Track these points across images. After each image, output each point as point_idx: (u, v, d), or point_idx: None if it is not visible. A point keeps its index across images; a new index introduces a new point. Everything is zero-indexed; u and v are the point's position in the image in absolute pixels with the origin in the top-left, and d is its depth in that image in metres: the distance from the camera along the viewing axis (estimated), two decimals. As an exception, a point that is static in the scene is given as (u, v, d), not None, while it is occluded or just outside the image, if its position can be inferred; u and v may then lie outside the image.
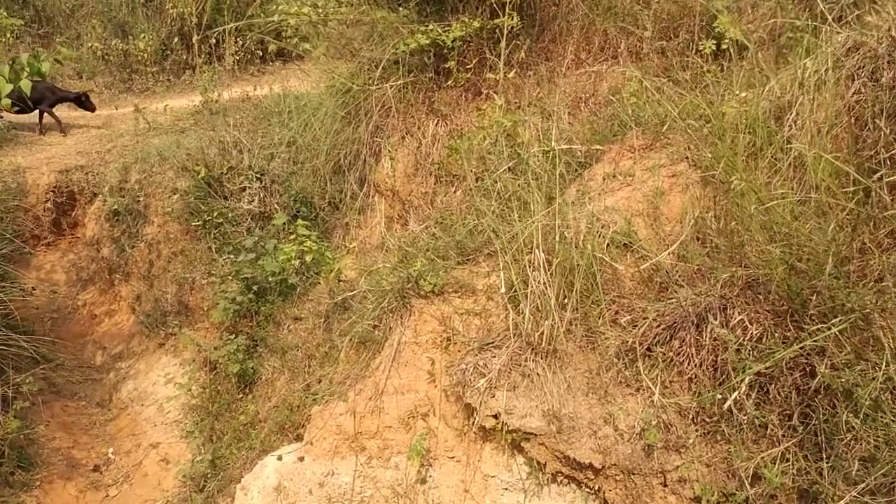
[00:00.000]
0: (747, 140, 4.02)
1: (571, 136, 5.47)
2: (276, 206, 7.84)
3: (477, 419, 4.04)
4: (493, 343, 4.17)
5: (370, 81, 6.59)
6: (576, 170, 5.25)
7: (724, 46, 5.85)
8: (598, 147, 5.24)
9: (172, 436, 6.55)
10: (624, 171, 4.96)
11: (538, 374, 3.94)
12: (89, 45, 14.25)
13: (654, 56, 6.46)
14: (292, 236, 6.19)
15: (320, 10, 7.13)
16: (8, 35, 12.02)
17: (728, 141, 4.06)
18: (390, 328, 4.85)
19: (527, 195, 5.10)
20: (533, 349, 3.95)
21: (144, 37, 14.21)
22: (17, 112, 9.96)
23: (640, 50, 6.67)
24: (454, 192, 6.38)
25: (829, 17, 5.03)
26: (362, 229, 7.00)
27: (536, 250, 3.96)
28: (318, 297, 6.56)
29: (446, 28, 6.43)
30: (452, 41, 6.36)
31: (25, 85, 4.85)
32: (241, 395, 6.51)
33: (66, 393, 7.27)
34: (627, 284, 4.18)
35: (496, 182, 5.35)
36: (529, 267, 3.99)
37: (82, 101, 10.90)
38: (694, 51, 6.19)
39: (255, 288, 6.55)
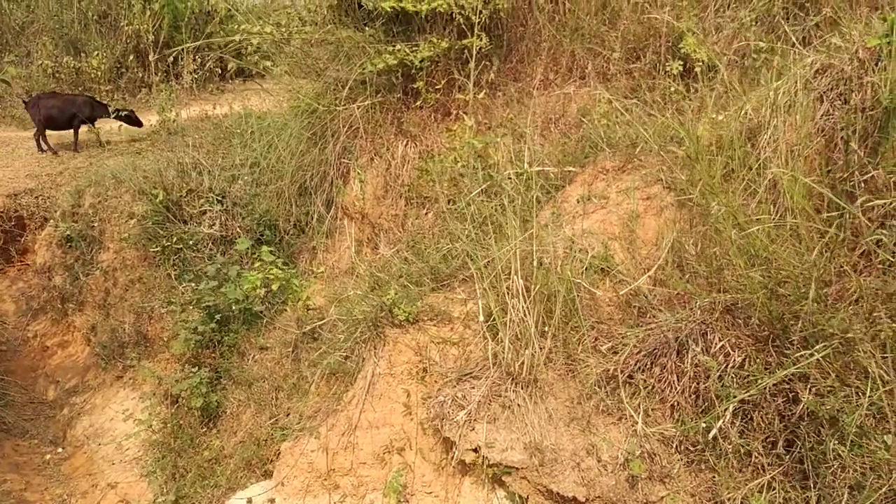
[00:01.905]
0: (722, 162, 4.00)
1: (543, 157, 5.42)
2: (238, 229, 7.60)
3: (456, 453, 3.90)
4: (471, 373, 4.05)
5: (336, 101, 6.46)
6: (549, 192, 5.19)
7: (694, 67, 5.90)
8: (570, 169, 5.19)
9: (132, 475, 6.23)
10: (597, 193, 4.91)
11: (518, 405, 3.83)
12: (39, 62, 13.79)
13: (622, 77, 6.48)
14: (257, 263, 5.99)
15: (283, 29, 6.99)
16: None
17: (705, 163, 4.03)
18: (363, 359, 4.69)
19: (501, 219, 5.03)
20: (513, 379, 3.84)
21: (98, 54, 13.83)
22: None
23: (608, 71, 6.68)
24: (425, 214, 6.26)
25: (794, 40, 5.11)
26: (330, 253, 6.83)
27: (515, 276, 3.87)
28: (284, 326, 6.34)
29: (414, 48, 6.35)
30: (420, 61, 6.28)
31: None
32: (204, 430, 6.23)
33: (17, 431, 6.89)
34: (605, 310, 4.12)
35: (469, 205, 5.27)
36: (508, 294, 3.88)
37: (125, 117, 10.26)
38: (661, 71, 6.23)
39: (217, 317, 6.32)
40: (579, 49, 6.70)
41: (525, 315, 3.78)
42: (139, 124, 10.37)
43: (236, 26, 14.42)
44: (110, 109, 10.16)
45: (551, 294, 3.91)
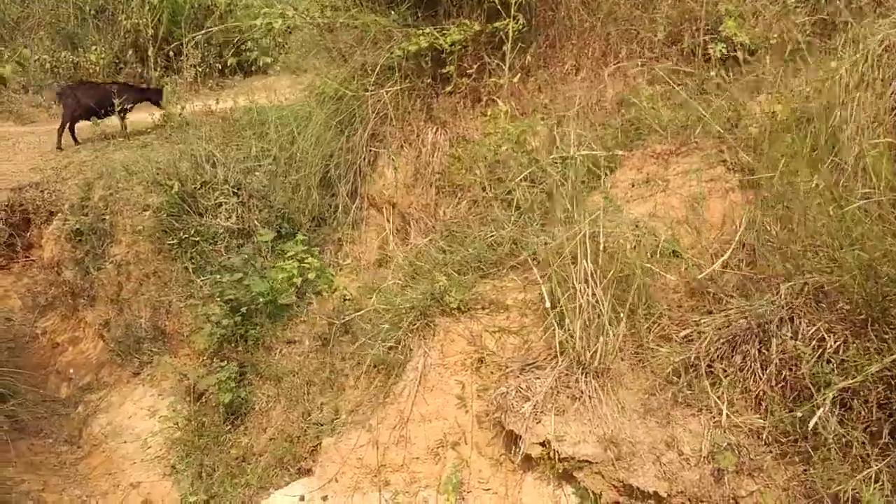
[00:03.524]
0: (801, 140, 3.82)
1: (589, 142, 5.21)
2: (255, 222, 7.35)
3: (522, 447, 3.68)
4: (535, 363, 3.84)
5: (363, 87, 6.22)
6: (597, 176, 4.99)
7: (736, 51, 5.74)
8: (620, 153, 5.00)
9: (154, 474, 5.96)
10: (652, 176, 4.72)
11: (590, 396, 3.62)
12: (36, 57, 13.43)
13: (659, 61, 6.30)
14: (290, 253, 5.73)
15: (303, 14, 6.74)
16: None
17: (785, 141, 3.84)
18: (410, 349, 4.47)
19: (549, 204, 4.83)
20: (584, 369, 3.63)
21: (97, 49, 13.50)
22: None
23: (642, 55, 6.50)
24: (457, 203, 6.04)
25: (849, 19, 4.95)
26: (356, 245, 6.59)
27: (584, 261, 3.65)
28: (311, 319, 6.11)
29: (442, 31, 6.13)
30: (451, 45, 6.06)
31: None
32: (228, 427, 5.98)
33: (31, 430, 6.60)
34: (674, 296, 3.92)
35: (512, 191, 5.06)
36: (576, 280, 3.67)
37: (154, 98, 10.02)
38: (700, 55, 6.06)
39: (242, 310, 6.06)
40: (613, 33, 6.51)
41: (599, 301, 3.57)
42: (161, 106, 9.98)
43: (234, 19, 14.18)
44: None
45: (622, 280, 3.70)
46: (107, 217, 7.79)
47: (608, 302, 3.60)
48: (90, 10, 14.17)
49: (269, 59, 13.21)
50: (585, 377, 3.62)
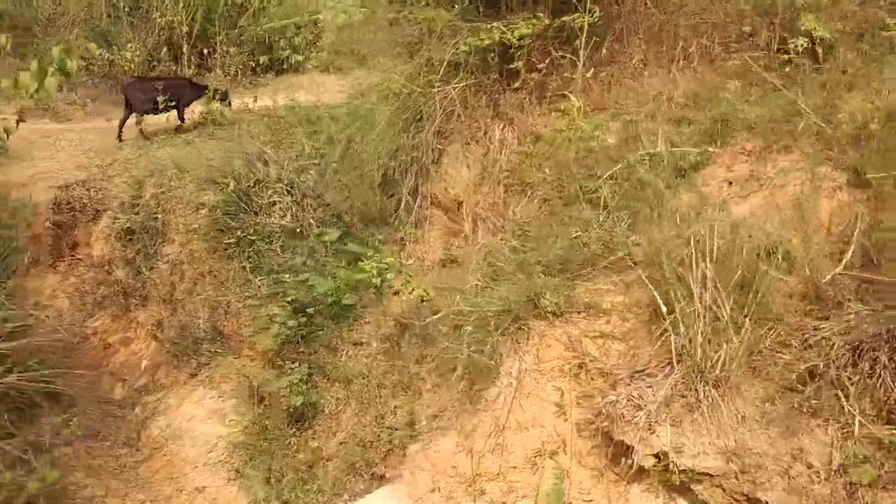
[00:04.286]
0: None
1: (676, 138, 5.04)
2: (310, 221, 7.23)
3: (635, 459, 3.53)
4: (645, 371, 3.68)
5: (430, 83, 6.08)
6: (683, 175, 4.82)
7: (815, 44, 5.56)
8: (711, 150, 4.82)
9: (219, 478, 5.85)
10: (747, 174, 4.55)
11: (708, 405, 3.46)
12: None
13: (733, 56, 6.13)
14: (370, 253, 5.62)
15: (364, 10, 6.60)
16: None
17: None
18: (501, 354, 4.32)
19: (638, 203, 4.67)
20: (702, 377, 3.47)
21: (131, 46, 13.41)
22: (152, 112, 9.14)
23: (712, 50, 6.33)
24: (527, 201, 5.89)
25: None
26: (419, 244, 6.44)
27: (703, 263, 3.49)
28: (377, 320, 5.99)
29: (508, 26, 5.98)
30: (519, 39, 5.91)
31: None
32: (293, 431, 5.86)
33: (88, 432, 6.50)
34: (789, 301, 3.75)
35: (598, 189, 4.90)
36: (693, 282, 3.51)
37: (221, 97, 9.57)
38: (775, 50, 5.88)
39: (309, 310, 5.94)
40: (683, 27, 6.34)
41: (720, 305, 3.41)
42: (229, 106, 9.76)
43: (266, 18, 14.07)
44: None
45: (739, 283, 3.54)
46: (159, 216, 7.68)
47: (729, 306, 3.44)
48: (124, 7, 14.11)
49: (300, 58, 13.14)
50: (704, 386, 3.46)
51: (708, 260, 3.50)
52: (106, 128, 10.95)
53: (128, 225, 7.85)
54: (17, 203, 7.61)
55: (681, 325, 3.57)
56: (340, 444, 5.45)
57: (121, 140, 9.42)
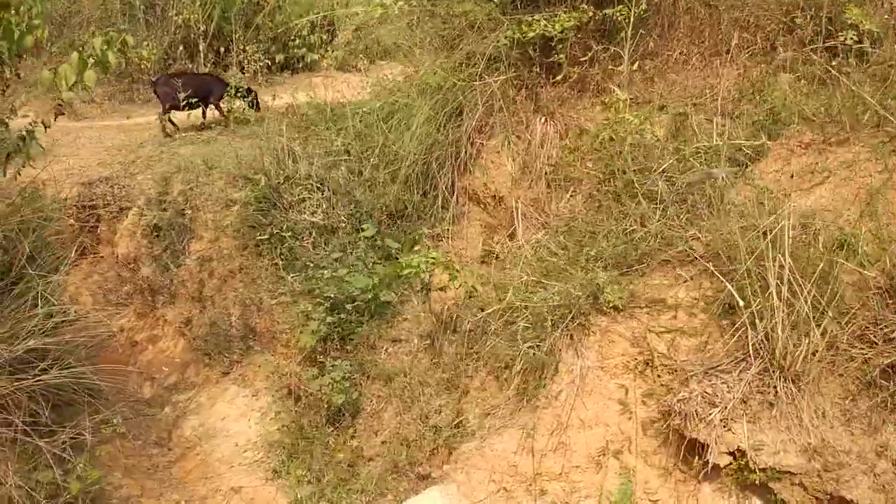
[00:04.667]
0: None
1: (729, 132, 4.93)
2: (341, 217, 7.13)
3: (711, 457, 3.42)
4: (718, 367, 3.57)
5: (470, 77, 5.98)
6: (744, 168, 4.72)
7: (862, 39, 5.47)
8: (767, 143, 4.72)
9: (256, 478, 5.73)
10: (805, 168, 4.45)
11: (786, 402, 3.35)
12: (88, 53, 13.25)
13: (776, 49, 6.04)
14: (417, 248, 5.54)
15: (402, 4, 6.50)
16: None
17: None
18: (559, 350, 4.21)
19: (695, 196, 4.57)
20: (781, 373, 3.36)
21: (148, 45, 13.33)
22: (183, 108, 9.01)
23: (754, 44, 6.24)
24: (570, 196, 5.78)
25: None
26: (456, 240, 6.34)
27: (781, 257, 3.38)
28: (416, 316, 5.88)
29: (549, 19, 5.88)
30: (561, 32, 5.81)
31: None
32: (332, 429, 5.75)
33: (118, 431, 6.39)
34: (865, 294, 3.64)
35: (654, 182, 4.79)
36: (771, 277, 3.40)
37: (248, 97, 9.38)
38: (822, 43, 5.79)
39: (348, 307, 5.83)
40: (726, 20, 6.25)
41: (804, 301, 3.30)
42: (258, 108, 9.55)
43: (282, 15, 13.98)
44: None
45: (818, 277, 3.43)
46: (187, 212, 7.58)
47: (810, 300, 3.33)
48: (140, 5, 14.04)
49: (315, 56, 13.04)
50: (784, 382, 3.35)
51: (786, 252, 3.39)
52: (125, 125, 10.87)
53: (155, 221, 7.75)
54: (50, 200, 7.50)
55: (756, 319, 3.46)
56: (383, 443, 5.32)
57: (166, 134, 9.30)
